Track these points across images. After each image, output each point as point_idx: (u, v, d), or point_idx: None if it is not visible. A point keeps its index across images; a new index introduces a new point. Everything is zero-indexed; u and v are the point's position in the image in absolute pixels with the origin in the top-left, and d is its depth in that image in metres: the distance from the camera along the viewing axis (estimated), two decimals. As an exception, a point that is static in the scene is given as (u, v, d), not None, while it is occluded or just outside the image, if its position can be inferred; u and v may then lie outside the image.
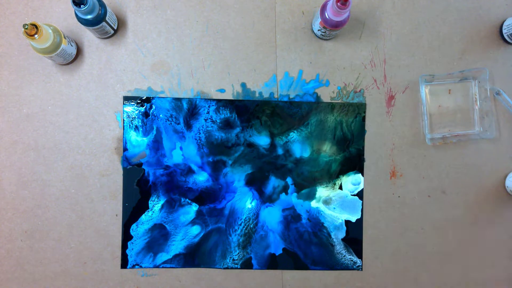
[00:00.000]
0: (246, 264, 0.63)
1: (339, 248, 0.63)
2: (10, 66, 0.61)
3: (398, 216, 0.64)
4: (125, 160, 0.62)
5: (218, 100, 0.62)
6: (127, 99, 0.62)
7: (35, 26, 0.50)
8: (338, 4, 0.52)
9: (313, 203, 0.63)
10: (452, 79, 0.64)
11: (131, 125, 0.62)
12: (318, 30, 0.60)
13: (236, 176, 0.63)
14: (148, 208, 0.62)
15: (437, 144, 0.64)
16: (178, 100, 0.62)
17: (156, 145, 0.62)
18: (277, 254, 0.63)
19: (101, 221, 0.62)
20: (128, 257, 0.62)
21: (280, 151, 0.63)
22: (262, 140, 0.63)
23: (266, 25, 0.63)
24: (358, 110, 0.63)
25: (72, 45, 0.58)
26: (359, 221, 0.63)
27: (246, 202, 0.63)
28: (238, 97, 0.63)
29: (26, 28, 0.49)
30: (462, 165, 0.64)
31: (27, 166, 0.61)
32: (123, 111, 0.62)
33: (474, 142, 0.64)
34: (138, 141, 0.62)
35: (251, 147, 0.63)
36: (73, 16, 0.60)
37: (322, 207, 0.63)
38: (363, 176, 0.63)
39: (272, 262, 0.63)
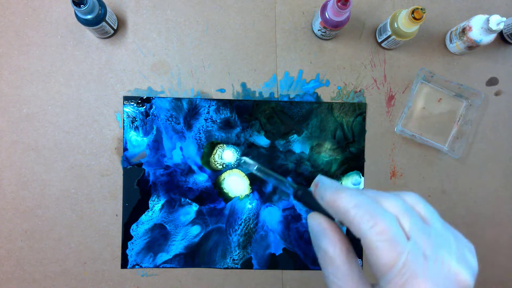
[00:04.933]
0: (246, 264, 0.63)
1: (339, 248, 0.63)
2: (10, 66, 0.61)
3: (398, 216, 0.64)
4: (125, 160, 0.62)
5: (218, 100, 0.62)
6: (127, 99, 0.62)
7: None
8: (339, 4, 0.52)
9: (313, 203, 0.63)
10: (448, 89, 0.63)
11: (131, 125, 0.62)
12: (318, 30, 0.60)
13: (236, 176, 0.63)
14: (148, 208, 0.62)
15: (405, 137, 0.64)
16: (178, 100, 0.62)
17: (156, 145, 0.62)
18: (277, 254, 0.63)
19: (101, 221, 0.62)
20: (128, 257, 0.62)
21: (280, 151, 0.63)
22: (262, 140, 0.63)
23: (266, 25, 0.63)
24: (358, 110, 0.63)
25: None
26: (359, 221, 0.63)
27: (246, 202, 0.63)
28: (238, 97, 0.63)
29: None
30: (462, 165, 0.64)
31: (27, 166, 0.61)
32: (123, 111, 0.62)
33: (439, 153, 0.64)
34: (138, 141, 0.62)
35: (251, 147, 0.63)
36: (73, 16, 0.60)
37: (322, 207, 0.63)
38: (363, 176, 0.64)
39: (272, 262, 0.63)
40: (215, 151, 0.62)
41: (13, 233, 0.61)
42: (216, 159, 0.62)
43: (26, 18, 0.61)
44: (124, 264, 0.62)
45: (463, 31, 0.59)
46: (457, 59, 0.64)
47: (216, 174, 0.62)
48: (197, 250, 0.62)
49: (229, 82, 0.63)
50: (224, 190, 0.63)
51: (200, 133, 0.62)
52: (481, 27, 0.57)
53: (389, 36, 0.59)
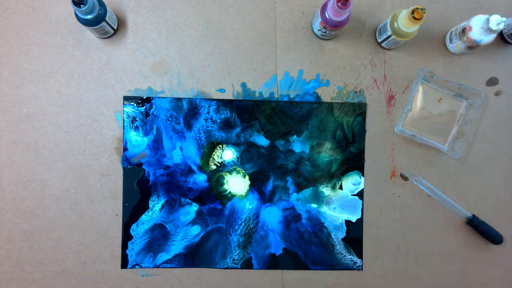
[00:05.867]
0: (246, 264, 0.63)
1: (339, 248, 0.63)
2: (10, 66, 0.61)
3: (398, 216, 0.64)
4: (125, 160, 0.62)
5: (218, 100, 0.62)
6: (127, 99, 0.62)
7: None
8: (339, 4, 0.52)
9: (313, 203, 0.63)
10: (448, 89, 0.63)
11: (131, 125, 0.62)
12: (318, 30, 0.60)
13: (236, 176, 0.63)
14: (148, 208, 0.62)
15: (405, 137, 0.64)
16: (178, 100, 0.62)
17: (156, 145, 0.62)
18: (277, 254, 0.63)
19: (101, 221, 0.62)
20: (128, 257, 0.62)
21: (280, 151, 0.63)
22: (262, 140, 0.63)
23: (266, 25, 0.63)
24: (358, 110, 0.63)
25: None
26: (359, 221, 0.63)
27: (246, 202, 0.63)
28: (238, 97, 0.63)
29: None
30: (462, 165, 0.64)
31: (27, 166, 0.61)
32: (123, 111, 0.62)
33: (439, 153, 0.64)
34: (138, 141, 0.62)
35: (251, 147, 0.63)
36: (73, 16, 0.60)
37: (322, 207, 0.63)
38: (363, 176, 0.64)
39: (272, 262, 0.63)
40: (215, 151, 0.62)
41: (13, 233, 0.61)
42: (216, 159, 0.62)
43: (26, 18, 0.61)
44: (124, 264, 0.62)
45: (463, 31, 0.59)
46: (457, 59, 0.64)
47: (216, 174, 0.62)
48: (197, 250, 0.62)
49: (229, 82, 0.63)
50: (224, 190, 0.63)
51: (200, 133, 0.62)
52: (481, 27, 0.57)
53: (389, 36, 0.59)
